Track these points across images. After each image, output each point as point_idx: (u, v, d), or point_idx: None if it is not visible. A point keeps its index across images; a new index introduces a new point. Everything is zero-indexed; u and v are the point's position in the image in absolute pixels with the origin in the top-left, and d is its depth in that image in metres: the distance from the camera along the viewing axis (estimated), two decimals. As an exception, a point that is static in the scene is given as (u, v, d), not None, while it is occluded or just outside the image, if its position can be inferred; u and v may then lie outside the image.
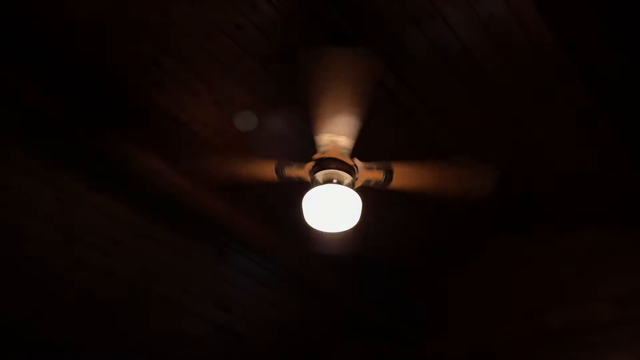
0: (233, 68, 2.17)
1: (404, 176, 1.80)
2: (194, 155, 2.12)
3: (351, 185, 1.77)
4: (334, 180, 1.75)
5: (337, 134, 1.66)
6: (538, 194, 2.76)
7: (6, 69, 1.90)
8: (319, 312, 3.36)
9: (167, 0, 1.95)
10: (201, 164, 2.04)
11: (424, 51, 2.08)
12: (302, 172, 1.81)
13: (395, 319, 3.20)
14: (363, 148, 1.81)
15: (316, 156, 1.76)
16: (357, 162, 1.76)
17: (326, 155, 1.74)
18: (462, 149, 2.47)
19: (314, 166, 1.77)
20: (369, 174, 1.78)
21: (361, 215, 1.80)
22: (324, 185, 1.75)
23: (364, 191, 1.84)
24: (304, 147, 1.91)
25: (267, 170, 1.85)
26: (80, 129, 2.13)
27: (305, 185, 1.94)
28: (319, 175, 1.77)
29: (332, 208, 1.72)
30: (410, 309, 3.29)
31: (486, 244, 3.10)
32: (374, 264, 3.09)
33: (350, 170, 1.75)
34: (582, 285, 2.78)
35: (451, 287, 3.22)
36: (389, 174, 1.76)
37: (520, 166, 2.56)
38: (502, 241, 3.06)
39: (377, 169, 1.77)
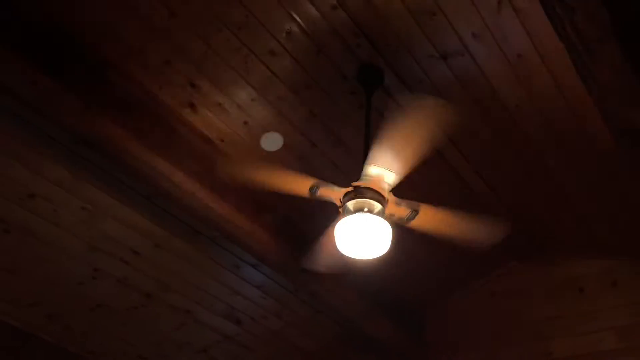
0: (265, 92, 2.25)
1: (426, 219, 1.92)
2: (226, 166, 2.16)
3: (381, 214, 1.84)
4: (365, 209, 1.83)
5: (388, 170, 1.75)
6: (545, 224, 2.85)
7: (48, 83, 1.96)
8: (327, 328, 3.42)
9: (208, 28, 2.02)
10: (235, 171, 2.08)
11: (450, 84, 2.17)
12: (335, 194, 1.88)
13: (402, 338, 3.26)
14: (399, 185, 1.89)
15: (356, 183, 1.84)
16: (391, 196, 1.84)
17: (366, 185, 1.81)
18: (479, 181, 2.57)
19: (349, 192, 1.84)
20: (395, 209, 1.86)
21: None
22: (357, 213, 1.82)
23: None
24: (332, 171, 1.97)
25: (301, 185, 1.90)
26: (111, 143, 2.19)
27: (331, 209, 2.01)
28: (351, 203, 1.84)
29: (363, 236, 1.79)
30: (416, 330, 3.36)
31: (492, 272, 3.19)
32: (382, 284, 3.16)
33: (382, 201, 1.82)
34: (585, 314, 2.86)
35: (457, 311, 3.30)
36: (413, 213, 1.87)
37: (531, 197, 2.66)
38: (508, 269, 3.15)
39: (406, 206, 1.87)
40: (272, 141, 2.46)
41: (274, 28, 2.05)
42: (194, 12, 1.97)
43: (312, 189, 1.86)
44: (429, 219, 1.91)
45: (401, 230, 2.20)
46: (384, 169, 1.76)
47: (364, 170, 1.79)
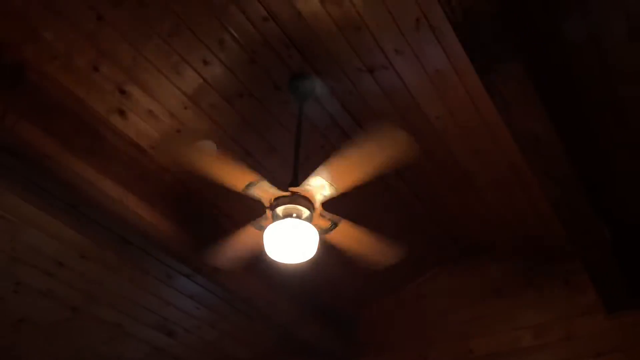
0: (198, 100, 2.27)
1: (341, 233, 2.03)
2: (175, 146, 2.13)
3: (309, 218, 1.91)
4: (293, 215, 1.88)
5: (330, 183, 1.82)
6: (464, 230, 3.03)
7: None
8: (261, 336, 3.43)
9: (138, 35, 2.02)
10: (181, 152, 2.05)
11: (376, 96, 2.28)
12: (267, 196, 1.91)
13: (335, 341, 3.33)
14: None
15: (294, 189, 1.89)
16: (320, 207, 1.92)
17: (302, 192, 1.87)
18: (404, 186, 2.71)
19: (281, 197, 1.88)
20: (318, 219, 1.94)
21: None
22: (283, 219, 1.87)
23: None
24: (274, 181, 2.00)
25: (241, 178, 1.89)
26: (34, 149, 2.12)
27: (259, 213, 2.04)
28: (280, 209, 1.89)
29: (291, 241, 1.84)
30: (348, 333, 3.44)
31: (419, 276, 3.34)
32: (314, 288, 3.22)
33: (311, 209, 1.89)
34: (503, 314, 3.05)
35: (387, 313, 3.41)
36: (333, 226, 1.97)
37: (454, 204, 2.83)
38: (434, 274, 3.32)
39: (328, 219, 1.96)
40: (205, 149, 2.46)
41: (206, 37, 2.08)
42: (123, 17, 1.96)
43: (250, 185, 1.87)
44: (343, 234, 2.03)
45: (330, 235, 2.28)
46: (326, 183, 1.83)
47: (308, 178, 1.85)
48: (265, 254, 1.98)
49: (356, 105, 2.34)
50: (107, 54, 2.07)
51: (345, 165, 1.80)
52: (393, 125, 1.84)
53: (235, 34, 2.08)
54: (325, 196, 1.88)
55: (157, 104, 2.26)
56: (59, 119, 2.12)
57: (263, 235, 1.88)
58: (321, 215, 1.95)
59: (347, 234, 2.04)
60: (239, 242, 2.07)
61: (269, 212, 1.91)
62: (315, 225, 1.93)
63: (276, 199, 1.88)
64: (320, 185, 1.85)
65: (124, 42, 2.05)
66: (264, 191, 1.89)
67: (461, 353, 3.04)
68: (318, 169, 1.84)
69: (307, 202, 1.88)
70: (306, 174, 1.96)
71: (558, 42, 1.87)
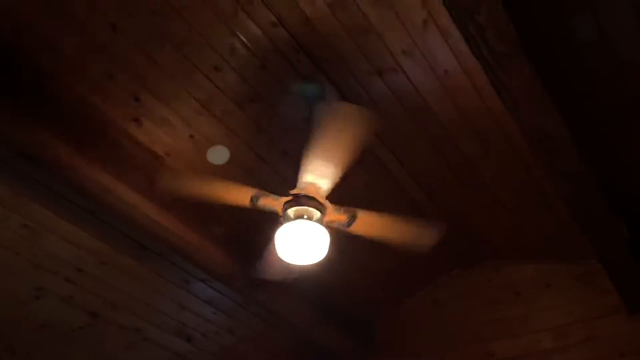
0: (211, 106, 2.31)
1: (364, 223, 2.00)
2: (167, 180, 2.18)
3: (320, 221, 1.92)
4: (305, 216, 1.90)
5: (320, 176, 1.82)
6: (483, 233, 3.00)
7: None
8: (279, 341, 3.44)
9: (151, 43, 2.07)
10: (176, 185, 2.11)
11: (386, 99, 2.29)
12: (275, 204, 1.94)
13: (352, 345, 3.32)
14: (336, 192, 1.98)
15: (294, 191, 1.91)
16: (328, 203, 1.92)
17: (303, 192, 1.88)
18: (419, 191, 2.70)
19: (289, 201, 1.90)
20: (335, 215, 1.94)
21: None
22: (297, 220, 1.89)
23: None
24: (279, 182, 2.03)
25: (242, 196, 1.95)
26: (53, 157, 2.18)
27: (273, 218, 2.07)
28: (291, 211, 1.91)
29: (302, 242, 1.86)
30: (366, 337, 3.43)
31: (435, 279, 3.31)
32: (331, 292, 3.22)
33: (321, 208, 1.90)
34: (523, 316, 3.01)
35: (404, 317, 3.39)
36: (352, 219, 1.95)
37: (470, 206, 2.80)
38: (450, 277, 3.29)
39: (344, 212, 1.95)
40: (218, 154, 2.51)
41: (217, 44, 2.12)
42: (136, 26, 2.01)
43: (253, 199, 1.91)
44: (368, 224, 2.00)
45: (347, 239, 2.29)
46: (316, 177, 1.83)
47: (298, 179, 1.86)
48: (277, 256, 1.99)
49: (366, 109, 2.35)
50: (121, 63, 2.13)
51: (324, 153, 1.78)
52: (350, 105, 1.84)
53: (245, 40, 2.12)
54: (324, 190, 1.88)
55: (171, 111, 2.31)
56: (76, 127, 2.18)
57: (274, 237, 1.90)
58: (335, 210, 1.94)
59: (371, 223, 2.00)
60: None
61: (281, 218, 1.93)
62: (333, 222, 1.93)
63: (285, 203, 1.90)
64: (312, 182, 1.86)
65: (138, 50, 2.11)
66: (269, 200, 1.91)
67: (481, 356, 3.00)
68: (302, 166, 1.84)
69: (313, 201, 1.89)
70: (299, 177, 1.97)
71: (566, 39, 1.85)
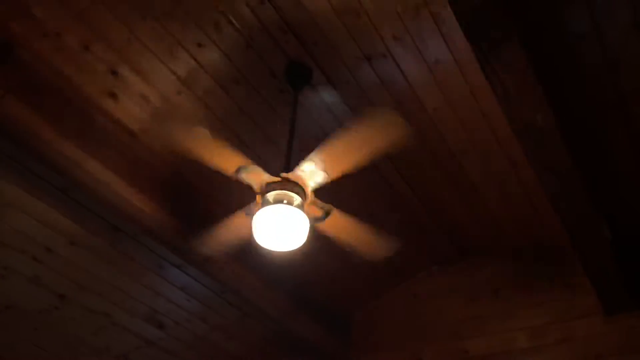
0: (192, 85, 2.22)
1: (333, 223, 1.97)
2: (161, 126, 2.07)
3: (300, 206, 1.85)
4: (284, 201, 1.83)
5: (323, 169, 1.78)
6: (464, 230, 2.97)
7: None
8: (254, 331, 3.37)
9: (132, 14, 1.98)
10: (170, 131, 2.00)
11: (374, 85, 2.23)
12: (258, 181, 1.86)
13: (328, 338, 3.27)
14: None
15: (285, 175, 1.84)
16: (288, 175, 1.86)
17: (293, 178, 1.82)
18: (401, 183, 2.65)
19: (272, 183, 1.84)
20: (310, 207, 1.89)
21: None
22: (273, 205, 1.82)
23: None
24: (267, 170, 1.95)
25: (231, 161, 1.84)
26: (23, 130, 2.07)
27: (251, 199, 1.99)
28: (271, 195, 1.84)
29: (280, 228, 1.79)
30: (342, 331, 3.38)
31: (414, 275, 3.28)
32: (308, 284, 3.17)
33: (303, 196, 1.84)
34: (500, 314, 2.99)
35: (381, 312, 3.36)
36: (325, 215, 1.91)
37: (451, 201, 2.77)
38: (430, 272, 3.26)
39: (320, 207, 1.90)
40: (198, 135, 2.41)
41: (201, 19, 2.04)
42: (116, -5, 1.92)
43: (241, 169, 1.83)
44: (336, 224, 1.98)
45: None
46: (318, 169, 1.78)
47: (300, 164, 1.81)
48: (256, 244, 1.93)
49: (353, 95, 2.29)
50: (99, 34, 2.03)
51: (338, 151, 1.75)
52: (386, 108, 1.79)
53: (231, 17, 2.04)
54: (317, 183, 1.83)
55: (150, 88, 2.21)
56: (48, 99, 2.08)
57: (252, 221, 1.83)
58: (313, 203, 1.90)
59: (340, 224, 1.98)
60: (229, 228, 2.02)
61: (259, 198, 1.86)
62: (307, 214, 1.88)
63: (267, 184, 1.83)
64: (311, 171, 1.80)
65: (117, 21, 2.01)
66: (255, 176, 1.84)
67: (456, 353, 2.98)
68: (310, 155, 1.79)
69: (299, 188, 1.83)
70: (300, 163, 1.92)
71: (560, 32, 1.82)
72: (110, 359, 3.21)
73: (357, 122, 1.73)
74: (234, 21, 2.05)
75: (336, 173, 1.80)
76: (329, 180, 1.82)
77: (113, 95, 2.20)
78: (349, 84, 2.25)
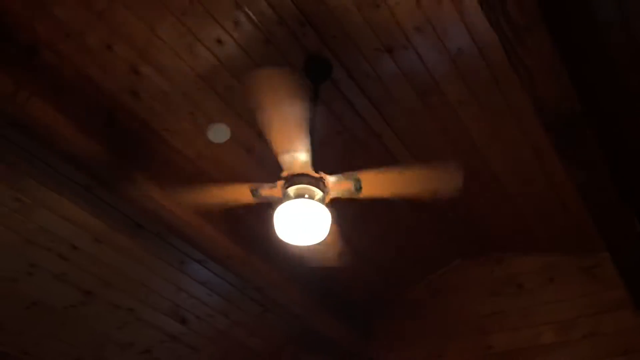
0: (212, 81, 2.22)
1: (373, 184, 1.84)
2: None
3: (322, 200, 1.84)
4: (305, 196, 1.82)
5: (294, 150, 1.76)
6: (487, 223, 2.93)
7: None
8: (275, 327, 3.39)
9: (152, 13, 1.98)
10: (183, 198, 2.08)
11: (395, 78, 2.21)
12: (275, 191, 1.88)
13: (350, 335, 3.27)
14: (330, 163, 1.90)
15: (284, 174, 1.84)
16: (324, 175, 1.85)
17: (292, 172, 1.82)
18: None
19: (284, 183, 1.84)
20: (338, 185, 1.86)
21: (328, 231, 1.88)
22: (295, 199, 1.82)
23: (337, 206, 1.94)
24: (274, 167, 1.96)
25: (243, 193, 1.91)
26: (49, 129, 2.10)
27: (277, 202, 2.00)
28: (291, 190, 1.84)
29: (301, 222, 1.79)
30: (363, 327, 3.37)
31: (436, 269, 3.25)
32: (329, 279, 3.16)
33: (319, 183, 1.83)
34: (525, 309, 2.95)
35: (403, 307, 3.34)
36: (358, 183, 1.84)
37: (474, 194, 2.73)
38: (452, 267, 3.23)
39: (346, 179, 1.86)
40: (219, 132, 2.43)
41: (220, 16, 2.04)
42: (136, -6, 1.93)
43: (254, 193, 1.87)
44: (375, 183, 1.86)
45: (348, 227, 2.22)
46: (357, 185, 1.79)
47: (280, 160, 1.81)
48: (278, 240, 1.93)
49: (374, 88, 2.27)
50: (119, 33, 2.04)
51: (386, 180, 1.75)
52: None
53: (249, 12, 2.03)
54: (343, 193, 1.83)
55: (171, 85, 2.22)
56: (72, 98, 2.10)
57: (273, 216, 1.83)
58: (336, 181, 1.84)
59: (378, 182, 1.85)
60: (224, 193, 2.00)
61: (279, 184, 1.86)
62: (341, 194, 1.86)
63: (295, 175, 1.82)
64: (346, 183, 1.80)
65: (137, 20, 2.02)
66: (292, 164, 1.82)
67: (479, 349, 2.95)
68: (357, 171, 1.80)
69: (309, 177, 1.82)
70: (321, 160, 1.91)
71: (588, 19, 1.76)
72: (135, 354, 3.25)
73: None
74: (253, 16, 2.04)
75: (368, 195, 1.79)
76: (357, 197, 1.82)
77: (135, 94, 2.21)
78: (369, 77, 2.23)
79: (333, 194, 1.88)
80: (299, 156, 1.78)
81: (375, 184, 1.86)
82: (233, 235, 2.64)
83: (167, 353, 3.30)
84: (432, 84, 2.20)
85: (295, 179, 1.86)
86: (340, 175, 1.85)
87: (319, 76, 2.21)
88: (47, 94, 2.02)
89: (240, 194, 1.93)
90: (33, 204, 2.46)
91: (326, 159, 1.97)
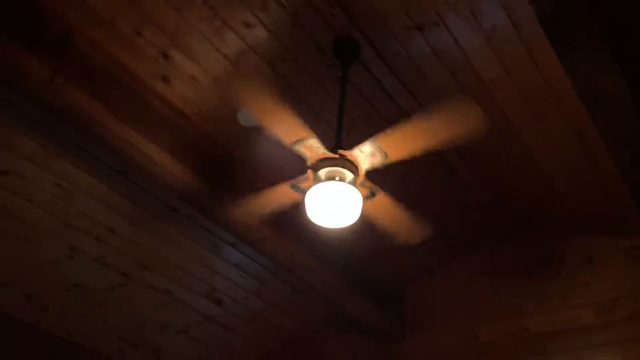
0: (240, 65, 2.22)
1: (395, 144, 1.80)
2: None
3: (353, 182, 1.83)
4: (336, 178, 1.81)
5: (386, 153, 1.77)
6: (523, 204, 2.86)
7: (11, 51, 1.91)
8: (307, 307, 3.42)
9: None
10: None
11: (426, 57, 2.15)
12: (314, 155, 1.86)
13: (382, 316, 3.27)
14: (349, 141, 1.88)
15: (343, 152, 1.84)
16: (344, 152, 1.83)
17: (350, 157, 1.81)
18: (458, 160, 2.57)
19: (327, 159, 1.84)
20: (364, 158, 1.83)
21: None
22: (325, 182, 1.81)
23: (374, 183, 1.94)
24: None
25: (286, 193, 1.94)
26: (83, 115, 2.14)
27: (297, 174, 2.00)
28: (322, 173, 1.83)
29: (332, 204, 1.78)
30: (395, 309, 3.37)
31: (471, 251, 3.20)
32: (361, 261, 3.16)
33: (355, 174, 1.82)
34: (562, 291, 2.88)
35: (436, 289, 3.31)
36: (370, 196, 1.88)
37: (509, 176, 2.66)
38: (487, 248, 3.17)
39: (367, 188, 1.88)
40: (248, 116, 2.43)
41: (248, -1, 2.02)
42: (165, -21, 1.93)
43: (295, 188, 1.87)
44: (379, 206, 1.95)
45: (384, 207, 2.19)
46: (379, 150, 1.75)
47: (362, 143, 1.79)
48: (309, 222, 1.93)
49: (404, 68, 2.23)
50: (149, 19, 2.05)
51: (404, 136, 1.71)
52: (465, 99, 1.71)
53: (277, -7, 2.01)
54: (373, 163, 1.80)
55: (200, 70, 2.23)
56: (105, 85, 2.13)
57: (305, 198, 1.83)
58: (361, 184, 1.87)
59: (382, 207, 1.96)
60: (271, 197, 2.02)
61: (310, 173, 1.85)
62: (371, 164, 1.85)
63: (321, 160, 1.81)
64: (371, 152, 1.77)
65: (166, 5, 2.03)
66: (311, 150, 1.82)
67: (515, 331, 2.91)
68: (374, 136, 1.76)
69: (353, 166, 1.81)
70: (351, 141, 1.89)
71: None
72: (172, 334, 3.35)
73: (430, 111, 1.67)
74: (280, -2, 2.02)
75: (397, 157, 1.76)
76: (388, 163, 1.79)
77: (165, 79, 2.23)
78: (400, 57, 2.18)
79: (365, 167, 1.86)
80: (324, 141, 1.78)
81: (398, 142, 1.81)
82: (265, 218, 2.66)
83: (203, 333, 3.38)
84: (465, 62, 2.13)
85: (322, 163, 1.85)
86: (367, 182, 1.87)
87: (347, 57, 2.18)
88: (81, 80, 2.06)
89: (283, 194, 1.96)
90: (71, 188, 2.53)
91: (354, 142, 1.96)
